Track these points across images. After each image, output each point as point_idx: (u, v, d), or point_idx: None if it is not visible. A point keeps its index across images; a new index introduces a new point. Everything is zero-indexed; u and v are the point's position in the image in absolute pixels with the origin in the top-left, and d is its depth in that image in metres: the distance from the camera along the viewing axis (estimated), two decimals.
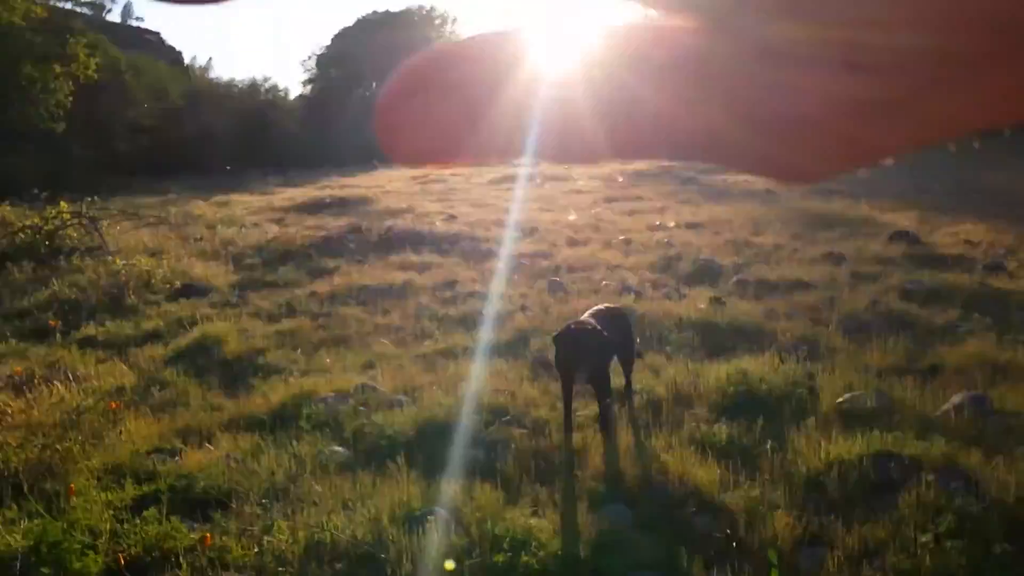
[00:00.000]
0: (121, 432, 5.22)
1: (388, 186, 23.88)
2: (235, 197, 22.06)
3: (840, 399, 5.22)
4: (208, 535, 3.72)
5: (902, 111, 0.29)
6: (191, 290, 9.80)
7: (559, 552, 3.59)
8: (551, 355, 6.07)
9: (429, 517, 3.81)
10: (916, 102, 0.29)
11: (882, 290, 8.45)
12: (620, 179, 20.80)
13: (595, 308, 5.37)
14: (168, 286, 9.93)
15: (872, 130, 0.30)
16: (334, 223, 14.63)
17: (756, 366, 5.78)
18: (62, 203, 13.36)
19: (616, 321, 5.21)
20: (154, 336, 8.00)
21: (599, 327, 4.76)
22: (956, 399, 5.07)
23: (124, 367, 6.91)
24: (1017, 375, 5.70)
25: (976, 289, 8.33)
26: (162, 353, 7.35)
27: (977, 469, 4.18)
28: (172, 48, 51.29)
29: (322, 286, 9.77)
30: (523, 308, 8.28)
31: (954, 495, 3.86)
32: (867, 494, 4.11)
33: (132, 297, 9.45)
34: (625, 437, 4.89)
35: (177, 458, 4.88)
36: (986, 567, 3.38)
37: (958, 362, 6.01)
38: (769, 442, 4.62)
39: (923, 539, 3.57)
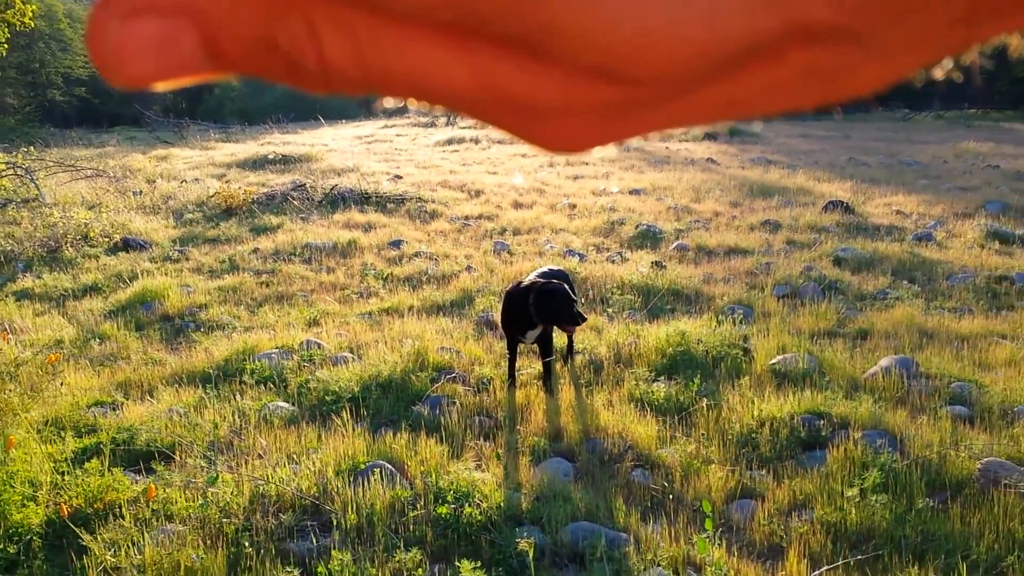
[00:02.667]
0: (61, 385, 5.16)
1: (332, 144, 23.58)
2: (175, 151, 21.57)
3: (773, 360, 5.41)
4: (152, 486, 3.73)
5: None
6: (130, 244, 9.63)
7: (501, 504, 3.69)
8: (496, 315, 6.16)
9: (374, 470, 3.88)
10: None
11: (816, 257, 8.71)
12: None
13: (540, 270, 5.45)
14: (107, 240, 9.74)
15: None
16: (277, 180, 14.44)
17: (694, 328, 5.94)
18: None
19: (558, 281, 5.30)
20: (93, 290, 7.87)
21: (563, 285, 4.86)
22: (884, 362, 5.30)
23: (62, 320, 6.81)
24: (942, 340, 5.97)
25: (905, 258, 8.63)
26: (101, 307, 7.24)
27: (902, 428, 4.39)
28: None
29: (265, 243, 9.68)
30: (468, 268, 8.34)
31: (880, 452, 4.06)
32: (797, 451, 4.30)
33: (70, 250, 9.25)
34: (567, 395, 5.01)
35: (118, 412, 4.86)
36: (909, 520, 3.57)
37: (886, 327, 6.25)
38: (705, 400, 4.78)
39: (849, 493, 3.75)
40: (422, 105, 0.27)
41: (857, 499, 3.72)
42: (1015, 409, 4.63)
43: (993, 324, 6.38)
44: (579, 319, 4.74)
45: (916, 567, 3.22)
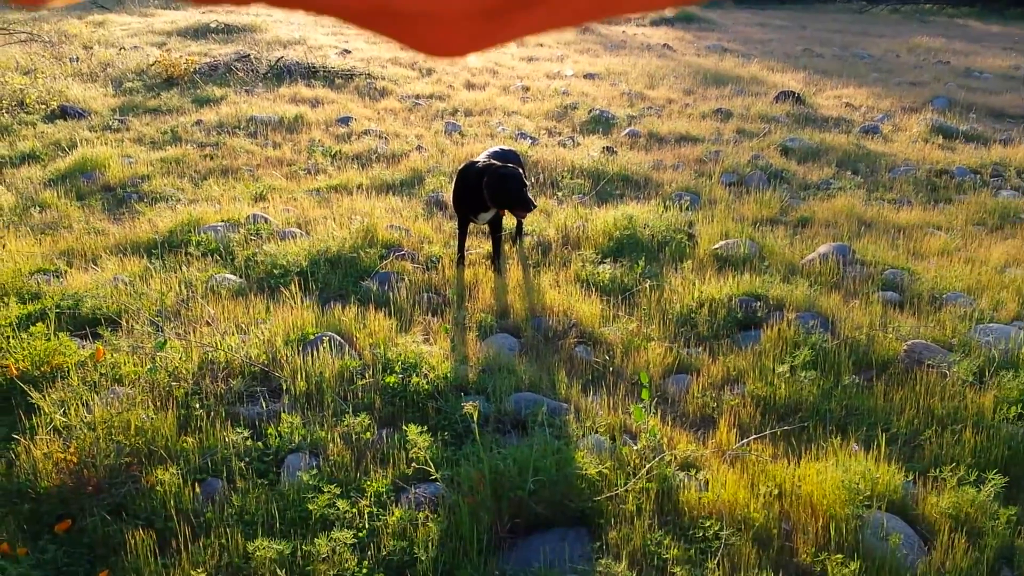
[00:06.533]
0: (2, 248, 5.07)
1: (277, 14, 22.61)
2: (112, 17, 20.48)
3: (716, 245, 5.54)
4: (100, 348, 3.75)
5: None
6: (68, 112, 9.27)
7: (448, 375, 3.79)
8: (447, 195, 6.16)
9: (323, 340, 3.94)
10: None
11: (764, 146, 8.79)
12: None
13: (492, 149, 5.43)
14: (43, 107, 9.36)
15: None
16: (220, 50, 13.89)
17: (642, 212, 6.02)
18: None
19: (511, 163, 5.30)
20: (31, 158, 7.63)
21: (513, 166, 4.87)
22: (822, 249, 5.47)
23: (1, 188, 6.61)
24: (880, 229, 6.15)
25: (851, 149, 8.77)
26: (41, 175, 7.04)
27: (835, 311, 4.58)
28: None
29: (209, 115, 9.41)
30: (419, 148, 8.25)
31: (811, 333, 4.24)
32: (733, 330, 4.47)
33: (6, 116, 8.89)
34: (515, 274, 5.09)
35: (62, 279, 4.81)
36: (835, 395, 3.77)
37: (827, 216, 6.42)
38: (648, 282, 4.90)
39: (780, 369, 3.93)
40: (310, 15, 0.29)
41: (787, 375, 3.90)
42: (944, 296, 4.85)
43: (930, 216, 6.59)
44: (530, 205, 4.78)
45: (839, 438, 3.42)
